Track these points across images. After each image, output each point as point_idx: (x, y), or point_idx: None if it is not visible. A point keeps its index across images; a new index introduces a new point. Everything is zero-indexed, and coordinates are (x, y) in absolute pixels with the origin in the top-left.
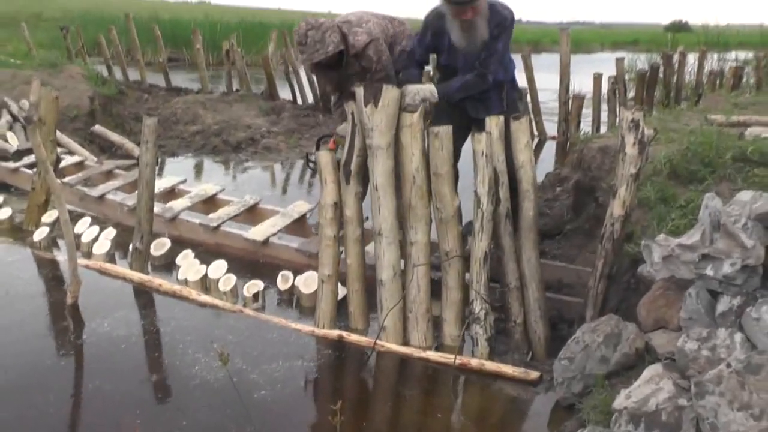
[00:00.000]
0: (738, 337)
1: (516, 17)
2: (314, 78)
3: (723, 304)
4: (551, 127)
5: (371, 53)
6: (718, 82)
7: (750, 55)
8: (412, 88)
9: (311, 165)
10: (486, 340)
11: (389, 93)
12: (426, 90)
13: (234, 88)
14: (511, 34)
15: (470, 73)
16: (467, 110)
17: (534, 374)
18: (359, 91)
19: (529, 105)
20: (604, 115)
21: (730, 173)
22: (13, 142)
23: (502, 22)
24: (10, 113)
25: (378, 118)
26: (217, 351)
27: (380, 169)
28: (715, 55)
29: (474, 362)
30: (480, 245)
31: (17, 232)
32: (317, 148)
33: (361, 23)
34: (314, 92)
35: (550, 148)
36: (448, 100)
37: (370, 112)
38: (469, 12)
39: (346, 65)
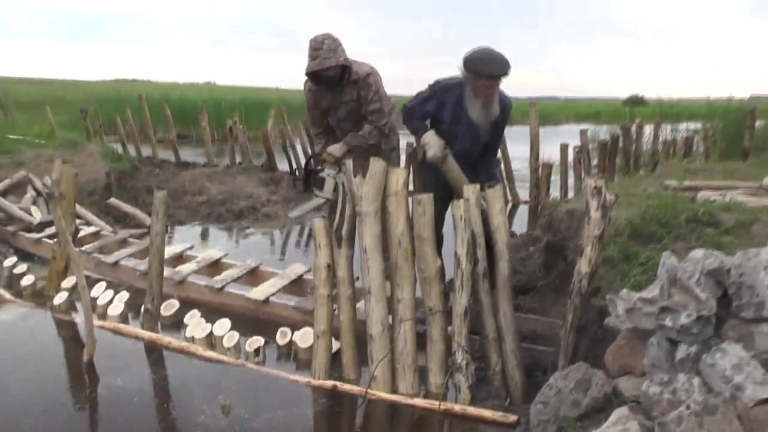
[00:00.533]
0: (696, 381)
1: None
2: (309, 110)
3: (681, 352)
4: (523, 193)
5: (371, 82)
6: (671, 150)
7: (699, 125)
8: (435, 141)
9: (297, 182)
10: (468, 387)
11: (376, 165)
12: (439, 149)
13: (237, 161)
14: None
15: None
16: (479, 174)
17: (512, 417)
18: (348, 163)
19: (503, 172)
20: (571, 181)
21: (684, 233)
22: (37, 215)
23: (509, 106)
24: (34, 189)
25: (366, 188)
26: (221, 402)
27: (369, 233)
28: (669, 126)
29: (457, 407)
30: (460, 301)
31: (39, 297)
32: (306, 168)
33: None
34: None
35: (523, 212)
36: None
37: (359, 182)
38: (495, 86)
39: (342, 92)
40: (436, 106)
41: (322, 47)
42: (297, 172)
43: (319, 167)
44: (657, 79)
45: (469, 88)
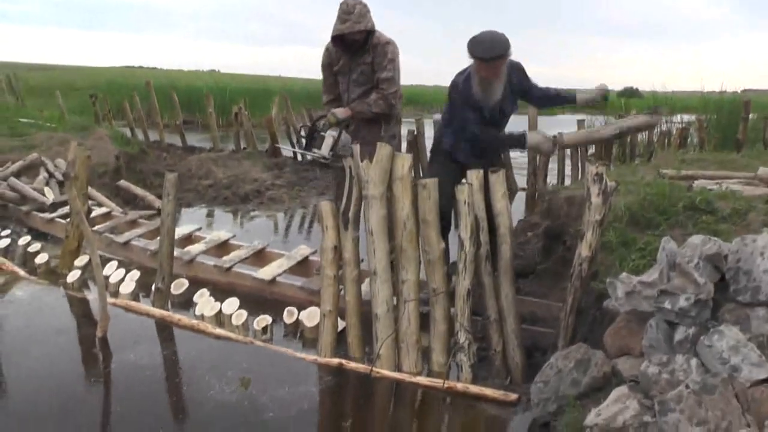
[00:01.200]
0: (694, 362)
1: None
2: (323, 70)
3: (680, 334)
4: (522, 180)
5: (388, 51)
6: (666, 141)
7: (693, 118)
8: (538, 136)
9: (300, 140)
10: (469, 367)
11: (383, 150)
12: (548, 139)
13: (242, 147)
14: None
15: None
16: (489, 156)
17: (513, 396)
18: (356, 148)
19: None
20: (568, 169)
21: (682, 220)
22: (50, 195)
23: (516, 68)
24: (47, 171)
25: (373, 172)
26: (240, 377)
27: (375, 216)
28: (664, 118)
29: (460, 386)
30: (463, 283)
31: (53, 275)
32: (310, 128)
33: None
34: None
35: (520, 198)
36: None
37: (366, 166)
38: (497, 67)
39: (363, 52)
40: (471, 107)
41: (354, 11)
42: (302, 130)
43: (318, 125)
44: (652, 73)
45: (474, 72)
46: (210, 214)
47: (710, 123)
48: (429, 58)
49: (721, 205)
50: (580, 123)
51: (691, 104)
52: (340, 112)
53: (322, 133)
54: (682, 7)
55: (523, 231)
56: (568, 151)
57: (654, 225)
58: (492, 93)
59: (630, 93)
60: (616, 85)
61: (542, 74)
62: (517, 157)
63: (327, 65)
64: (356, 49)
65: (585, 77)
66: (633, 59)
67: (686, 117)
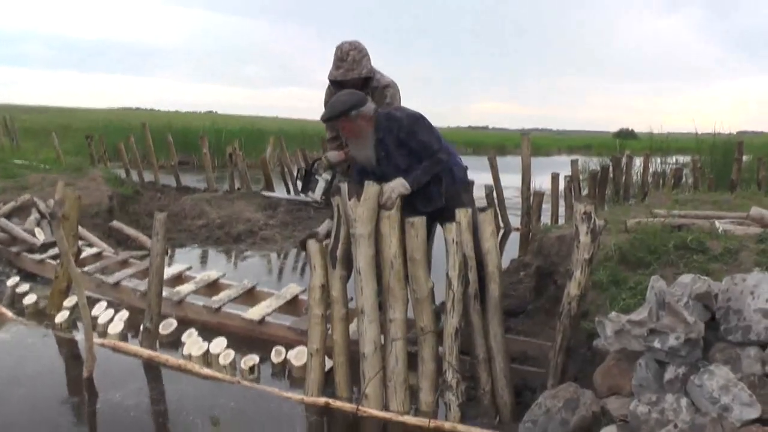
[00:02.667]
0: (684, 401)
1: (483, 124)
2: (326, 99)
3: (669, 373)
4: (515, 220)
5: (387, 93)
6: (661, 181)
7: (688, 158)
8: (387, 188)
9: (297, 182)
10: (458, 406)
11: (370, 189)
12: (399, 186)
13: (236, 187)
14: (427, 128)
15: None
16: (416, 205)
17: None
18: (343, 186)
19: (495, 200)
20: (561, 210)
21: (673, 259)
22: (40, 236)
23: (403, 118)
24: (38, 211)
25: (361, 210)
26: (210, 417)
27: (362, 255)
28: (658, 159)
29: (447, 425)
30: (451, 322)
31: (41, 315)
32: (306, 170)
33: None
34: None
35: (514, 238)
36: (418, 186)
37: (354, 205)
38: (345, 128)
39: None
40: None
41: (347, 59)
42: (299, 173)
43: (313, 169)
44: (647, 114)
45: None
46: (202, 254)
47: (704, 163)
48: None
49: (713, 245)
50: (574, 162)
51: (686, 145)
52: (333, 156)
53: (317, 177)
54: (676, 49)
55: (515, 270)
56: (561, 191)
57: (645, 264)
58: (360, 150)
59: (626, 134)
60: (611, 126)
61: (535, 115)
62: (512, 198)
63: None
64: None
65: (576, 118)
66: (627, 100)
67: (681, 158)
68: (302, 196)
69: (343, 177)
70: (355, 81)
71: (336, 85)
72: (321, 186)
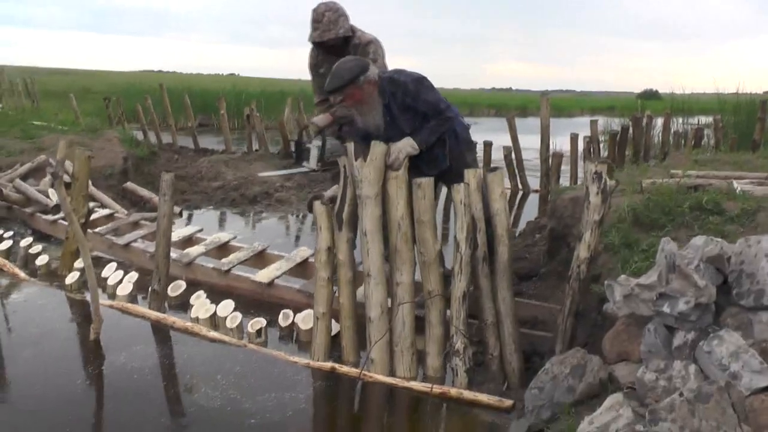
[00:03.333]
0: (692, 368)
1: (506, 86)
2: (310, 71)
3: (678, 339)
4: (534, 182)
5: (370, 50)
6: (682, 142)
7: (711, 119)
8: (395, 148)
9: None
10: (465, 372)
11: (377, 148)
12: (407, 146)
13: (254, 149)
14: (430, 88)
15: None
16: (422, 168)
17: (508, 402)
18: (350, 146)
19: (514, 161)
20: (581, 171)
21: (688, 221)
22: (54, 197)
23: (407, 83)
24: (51, 172)
25: (367, 171)
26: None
27: (369, 216)
28: (680, 119)
29: (453, 391)
30: (459, 285)
31: (53, 276)
32: (297, 140)
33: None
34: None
35: (533, 200)
36: (426, 146)
37: (360, 165)
38: (348, 98)
39: (345, 54)
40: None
41: (323, 20)
42: (291, 145)
43: (303, 138)
44: (672, 75)
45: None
46: (217, 216)
47: (727, 124)
48: (442, 56)
49: (730, 206)
50: (593, 123)
51: (709, 106)
52: (321, 120)
53: (308, 146)
54: (702, 6)
55: (531, 233)
56: (580, 152)
57: (659, 226)
58: (367, 116)
59: (649, 95)
60: (636, 87)
61: (559, 76)
62: (532, 159)
63: (313, 66)
64: (337, 51)
65: (600, 79)
66: (649, 60)
67: (703, 118)
68: (304, 165)
69: (333, 139)
70: (335, 41)
71: (317, 46)
72: (314, 154)
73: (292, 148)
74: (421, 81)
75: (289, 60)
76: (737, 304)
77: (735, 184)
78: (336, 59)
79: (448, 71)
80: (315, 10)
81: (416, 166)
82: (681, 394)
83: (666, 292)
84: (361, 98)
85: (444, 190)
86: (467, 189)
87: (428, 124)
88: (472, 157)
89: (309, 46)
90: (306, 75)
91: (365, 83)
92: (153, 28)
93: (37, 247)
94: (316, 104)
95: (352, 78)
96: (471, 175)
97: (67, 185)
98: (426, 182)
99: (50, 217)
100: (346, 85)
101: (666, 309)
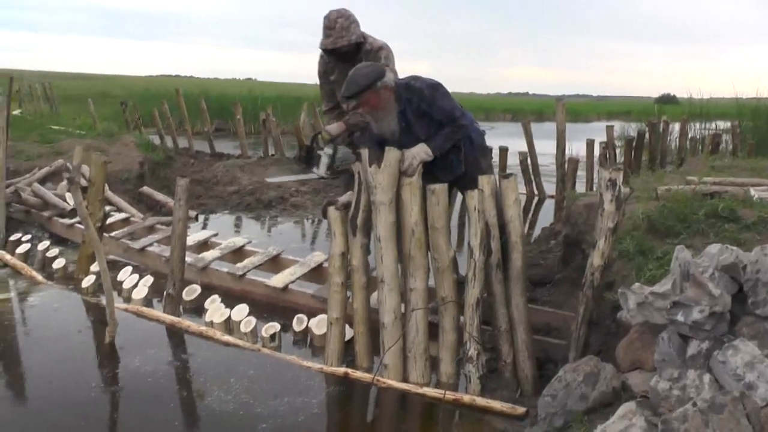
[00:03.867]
0: (707, 378)
1: (523, 90)
2: (320, 78)
3: (693, 348)
4: (550, 187)
5: (381, 56)
6: (699, 147)
7: (728, 124)
8: (408, 154)
9: (300, 159)
10: (478, 378)
11: (391, 155)
12: (421, 152)
13: (270, 153)
14: (446, 95)
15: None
16: (437, 174)
17: (521, 409)
18: (364, 153)
19: (530, 167)
20: (597, 177)
21: (703, 228)
22: (71, 201)
23: (422, 89)
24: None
25: (381, 177)
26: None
27: (383, 222)
28: (698, 124)
29: (466, 398)
30: (473, 292)
31: (69, 279)
32: (308, 145)
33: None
34: None
35: (549, 206)
36: (440, 152)
37: (374, 171)
38: (362, 104)
39: (357, 61)
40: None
41: (335, 26)
42: (300, 152)
43: (315, 144)
44: (689, 79)
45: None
46: (233, 221)
47: (745, 129)
48: (450, 61)
49: (746, 213)
50: (609, 128)
51: (727, 110)
52: (333, 129)
53: (319, 152)
54: (717, 9)
55: (546, 239)
56: (596, 158)
57: (674, 233)
58: (383, 122)
59: (667, 99)
60: (653, 91)
61: (576, 80)
62: (548, 164)
63: (323, 73)
64: (349, 58)
65: (617, 84)
66: (666, 64)
67: (721, 123)
68: (314, 171)
69: (345, 148)
70: (347, 47)
71: (329, 53)
72: (324, 161)
73: (300, 152)
74: (436, 87)
75: (304, 64)
76: (753, 313)
77: (752, 191)
78: (347, 66)
79: (464, 75)
80: (327, 17)
81: (431, 171)
82: (695, 404)
83: (680, 301)
84: (378, 104)
85: (459, 196)
86: (481, 195)
87: (442, 131)
88: (487, 163)
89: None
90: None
91: (382, 89)
92: (170, 32)
93: (54, 251)
94: (325, 112)
95: (369, 84)
96: (485, 182)
97: (84, 189)
98: (440, 188)
99: (67, 221)
100: (362, 91)
101: (680, 318)
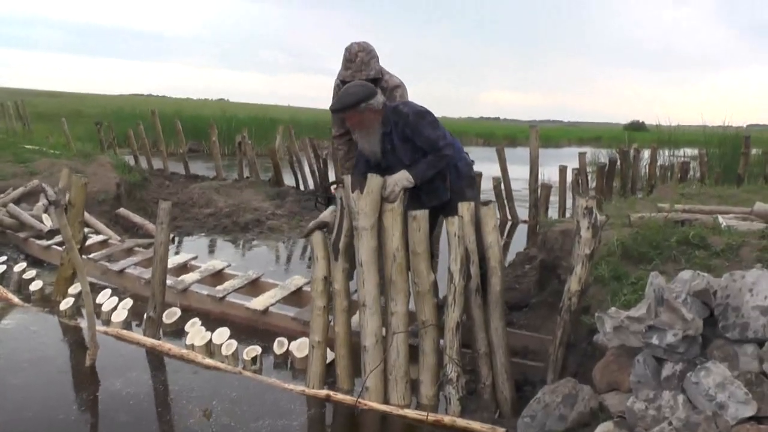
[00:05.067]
0: (681, 398)
1: (494, 115)
2: (334, 96)
3: (667, 369)
4: (523, 212)
5: (397, 95)
6: (669, 174)
7: (696, 151)
8: (391, 180)
9: (319, 201)
10: (458, 400)
11: (373, 181)
12: (403, 179)
13: (245, 176)
14: (432, 124)
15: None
16: (422, 199)
17: (500, 430)
18: (347, 179)
19: (503, 192)
20: (569, 202)
21: (675, 255)
22: (48, 223)
23: (408, 114)
24: (47, 197)
25: (363, 203)
26: (201, 409)
27: (365, 247)
28: (667, 151)
29: (447, 419)
30: (453, 315)
31: (46, 302)
32: (327, 190)
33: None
34: (315, 179)
35: (523, 231)
36: (422, 180)
37: (357, 197)
38: (352, 119)
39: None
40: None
41: (356, 60)
42: (317, 196)
43: (332, 187)
44: (659, 106)
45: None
46: (210, 243)
47: (712, 157)
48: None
49: (715, 241)
50: (582, 155)
51: (695, 138)
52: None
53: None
54: (688, 39)
55: (521, 263)
56: (569, 184)
57: (647, 259)
58: (366, 142)
59: (636, 126)
60: (623, 117)
61: (547, 105)
62: (521, 190)
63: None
64: None
65: (588, 110)
66: (636, 91)
67: (690, 151)
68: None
69: None
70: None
71: (346, 84)
72: (331, 207)
73: (316, 199)
74: (422, 115)
75: (280, 86)
76: (723, 336)
77: (720, 219)
78: None
79: (436, 98)
80: (348, 50)
81: (417, 196)
82: (670, 423)
83: (655, 325)
84: (361, 123)
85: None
86: (461, 222)
87: (425, 159)
88: (472, 193)
89: (300, 74)
90: (296, 101)
91: (366, 110)
92: (144, 51)
93: (31, 272)
94: (335, 137)
95: (354, 103)
96: (465, 209)
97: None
98: (421, 214)
99: (44, 242)
100: (346, 109)
101: (655, 341)
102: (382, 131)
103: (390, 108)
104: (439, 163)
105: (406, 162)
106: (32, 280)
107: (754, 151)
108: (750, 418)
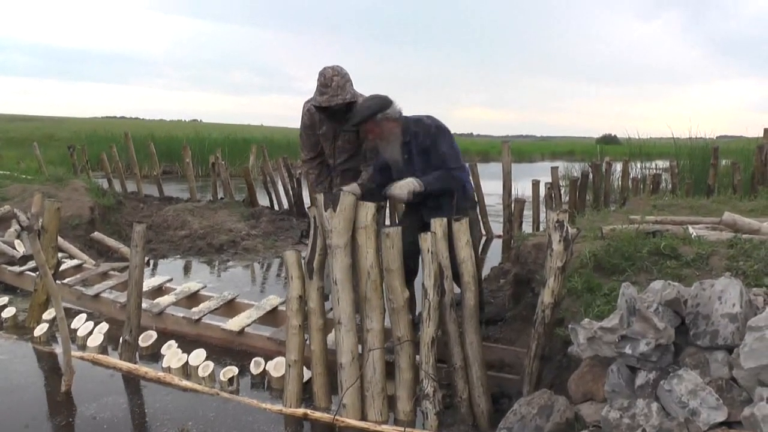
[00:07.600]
0: (654, 406)
1: (467, 131)
2: (305, 130)
3: (641, 378)
4: (497, 227)
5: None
6: (641, 186)
7: (667, 163)
8: (401, 183)
9: (304, 236)
10: (435, 414)
11: (346, 199)
12: (412, 182)
13: (219, 197)
14: (449, 142)
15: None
16: (423, 216)
17: None
18: (320, 198)
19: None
20: (543, 216)
21: (647, 265)
22: (20, 248)
23: (429, 126)
24: (19, 223)
25: (337, 221)
26: (178, 430)
27: (339, 265)
28: (639, 164)
29: None
30: (428, 331)
31: (20, 329)
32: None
33: None
34: (289, 199)
35: (497, 246)
36: (429, 190)
37: (330, 216)
38: (371, 131)
39: (345, 122)
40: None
41: (332, 84)
42: (303, 232)
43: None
44: (630, 119)
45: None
46: (185, 265)
47: (683, 168)
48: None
49: (686, 250)
50: (554, 169)
51: (666, 150)
52: (353, 189)
53: None
54: (657, 54)
55: (495, 278)
56: (542, 198)
57: (619, 270)
58: (387, 150)
59: (608, 140)
60: (595, 132)
61: (519, 121)
62: (494, 205)
63: (309, 126)
64: (340, 116)
65: (560, 124)
66: (610, 106)
67: (661, 163)
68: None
69: None
70: (340, 106)
71: (321, 109)
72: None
73: (302, 234)
74: (444, 131)
75: (252, 106)
76: (694, 344)
77: (690, 229)
78: (336, 123)
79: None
80: (323, 74)
81: (418, 211)
82: (644, 431)
83: (627, 335)
84: (380, 133)
85: None
86: (434, 237)
87: (435, 172)
88: (474, 215)
89: (272, 95)
90: (268, 121)
91: (383, 120)
92: (116, 74)
93: (3, 299)
94: (305, 161)
95: (370, 114)
96: (437, 224)
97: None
98: (394, 232)
99: (16, 268)
100: (364, 120)
101: (628, 350)
102: (402, 140)
103: (413, 119)
104: (447, 179)
105: (418, 174)
106: (5, 306)
107: (723, 161)
108: (721, 423)
